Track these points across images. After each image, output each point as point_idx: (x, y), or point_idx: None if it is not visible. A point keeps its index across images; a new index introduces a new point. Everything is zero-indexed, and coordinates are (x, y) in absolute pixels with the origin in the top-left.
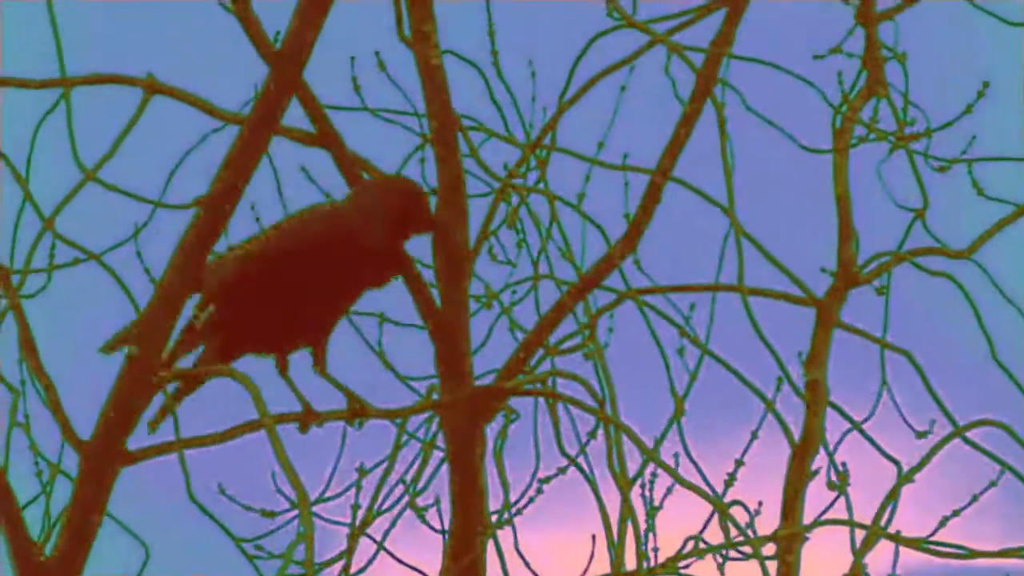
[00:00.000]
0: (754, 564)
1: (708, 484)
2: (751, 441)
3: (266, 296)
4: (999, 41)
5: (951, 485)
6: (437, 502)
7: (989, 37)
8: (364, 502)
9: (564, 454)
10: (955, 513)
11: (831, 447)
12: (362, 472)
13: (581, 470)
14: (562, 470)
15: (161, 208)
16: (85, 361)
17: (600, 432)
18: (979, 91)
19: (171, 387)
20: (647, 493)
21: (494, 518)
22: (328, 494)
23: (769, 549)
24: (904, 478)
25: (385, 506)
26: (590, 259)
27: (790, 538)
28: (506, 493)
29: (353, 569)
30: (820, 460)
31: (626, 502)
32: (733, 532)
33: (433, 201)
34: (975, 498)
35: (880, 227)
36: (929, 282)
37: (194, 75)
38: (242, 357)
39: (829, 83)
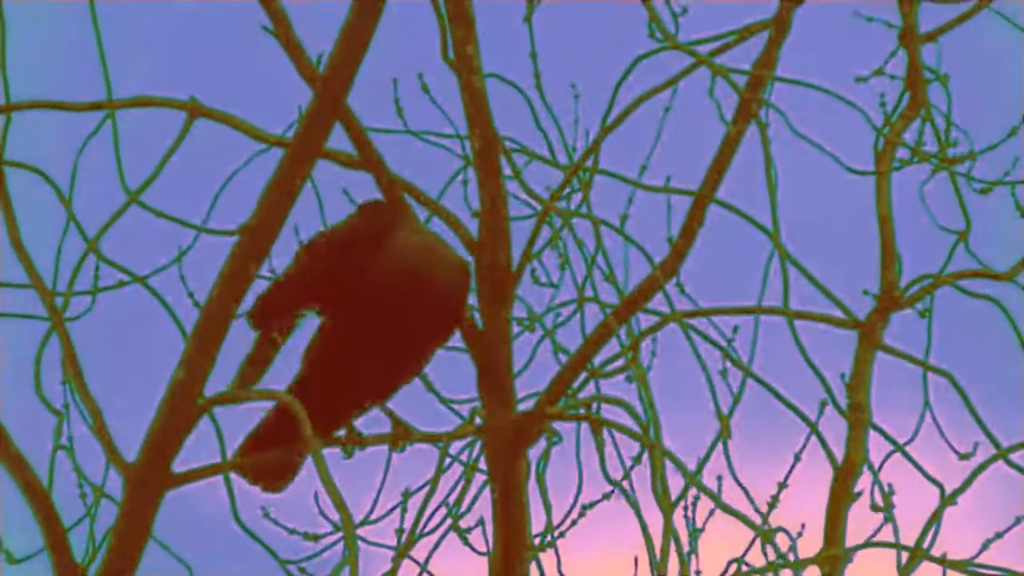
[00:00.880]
0: None
1: (753, 505)
2: (794, 463)
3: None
4: None
5: (994, 507)
6: (481, 523)
7: None
8: (408, 525)
9: (609, 480)
10: (998, 535)
11: (874, 469)
12: (407, 495)
13: (626, 494)
14: (606, 496)
15: (205, 233)
16: (129, 383)
17: (643, 456)
18: (1023, 113)
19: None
20: (690, 515)
21: (536, 540)
22: (372, 517)
23: (812, 572)
24: (947, 500)
25: (428, 528)
26: (634, 282)
27: (833, 560)
28: (549, 515)
29: None
30: (864, 482)
31: (668, 524)
32: (774, 554)
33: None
34: (1019, 520)
35: (923, 249)
36: (972, 304)
37: (237, 99)
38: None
39: (871, 105)
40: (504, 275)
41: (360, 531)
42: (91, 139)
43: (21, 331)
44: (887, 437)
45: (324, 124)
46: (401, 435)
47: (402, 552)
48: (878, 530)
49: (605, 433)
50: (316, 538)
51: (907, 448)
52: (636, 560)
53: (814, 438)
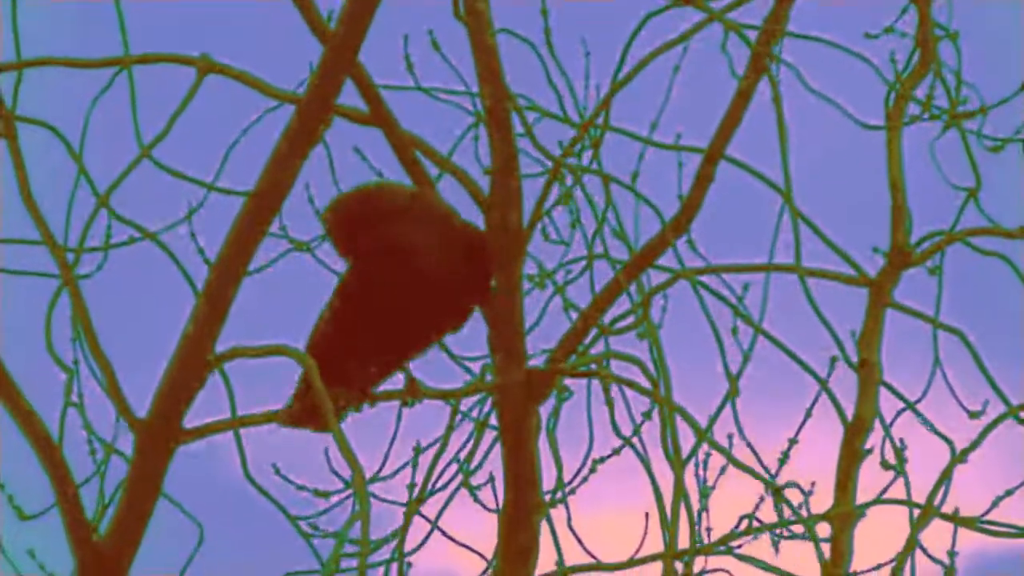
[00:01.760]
0: (807, 544)
1: (762, 464)
2: (804, 420)
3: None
4: None
5: (1005, 465)
6: (491, 480)
7: None
8: (419, 481)
9: (619, 435)
10: (1008, 492)
11: (886, 425)
12: (417, 450)
13: (636, 451)
14: (616, 451)
15: (215, 191)
16: (140, 340)
17: (654, 412)
18: None
19: None
20: (701, 473)
21: (547, 497)
22: (383, 473)
23: (823, 528)
24: (958, 458)
25: (438, 485)
26: (644, 239)
27: (844, 517)
28: (559, 472)
29: (407, 548)
30: (874, 440)
31: (679, 482)
32: (786, 511)
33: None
34: None
35: (933, 207)
36: (982, 262)
37: (249, 55)
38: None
39: (882, 63)
40: (515, 232)
41: (371, 488)
42: (102, 95)
43: (32, 288)
44: (898, 395)
45: (335, 80)
46: (412, 391)
47: (412, 508)
48: (888, 487)
49: (616, 390)
50: (327, 495)
51: (918, 406)
52: (647, 516)
53: (824, 396)
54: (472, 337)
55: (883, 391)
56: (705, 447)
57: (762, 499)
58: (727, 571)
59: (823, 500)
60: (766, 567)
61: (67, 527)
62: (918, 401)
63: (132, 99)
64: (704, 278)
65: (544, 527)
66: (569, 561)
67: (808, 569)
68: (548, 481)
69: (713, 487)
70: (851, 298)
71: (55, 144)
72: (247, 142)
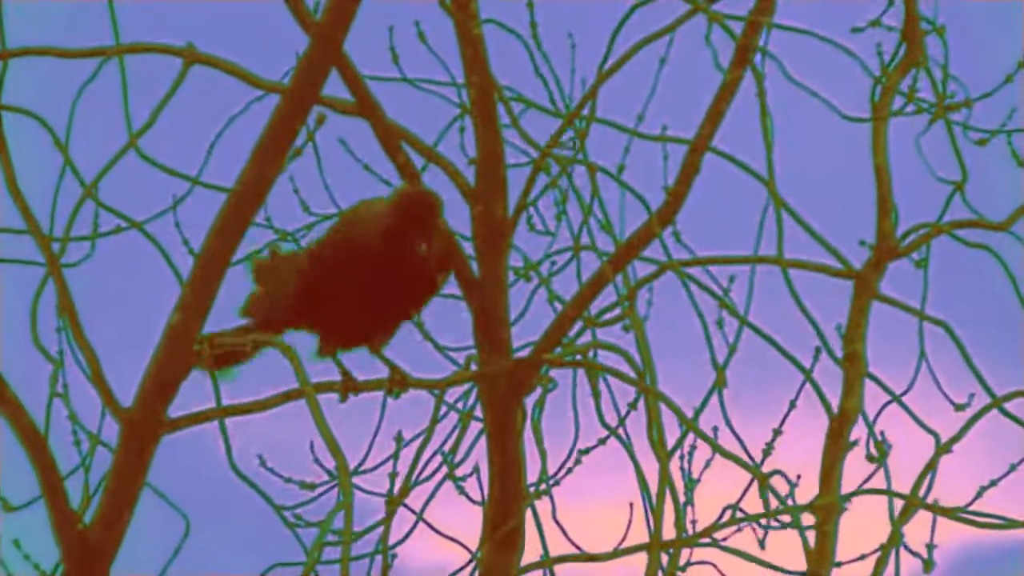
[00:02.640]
0: (792, 534)
1: (748, 455)
2: (789, 410)
3: (322, 297)
4: None
5: (989, 456)
6: (476, 471)
7: None
8: (403, 471)
9: (604, 425)
10: (992, 483)
11: (870, 419)
12: (400, 440)
13: (621, 440)
14: (602, 441)
15: (199, 185)
16: (125, 330)
17: (639, 404)
18: (1020, 61)
19: None
20: (685, 466)
21: (532, 488)
22: (367, 464)
23: (808, 519)
24: (942, 448)
25: (423, 476)
26: (630, 231)
27: (828, 508)
28: (544, 463)
29: (392, 540)
30: (859, 432)
31: (664, 471)
32: (772, 501)
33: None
34: (1013, 468)
35: (919, 200)
36: (968, 254)
37: (234, 45)
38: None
39: (868, 57)
40: (500, 223)
41: (356, 480)
42: (88, 85)
43: (18, 277)
44: (883, 387)
45: (321, 71)
46: (397, 381)
47: (397, 500)
48: (869, 477)
49: (601, 381)
50: (311, 486)
51: (904, 398)
52: (631, 507)
53: (809, 387)
54: (457, 328)
55: (868, 383)
56: (691, 438)
57: (747, 489)
58: (712, 563)
59: (808, 491)
60: (751, 558)
61: (53, 517)
62: (904, 393)
63: (124, 89)
64: (690, 270)
65: (529, 518)
66: (554, 552)
67: (792, 560)
68: (533, 472)
69: (698, 480)
70: (837, 290)
71: (41, 134)
72: (233, 131)
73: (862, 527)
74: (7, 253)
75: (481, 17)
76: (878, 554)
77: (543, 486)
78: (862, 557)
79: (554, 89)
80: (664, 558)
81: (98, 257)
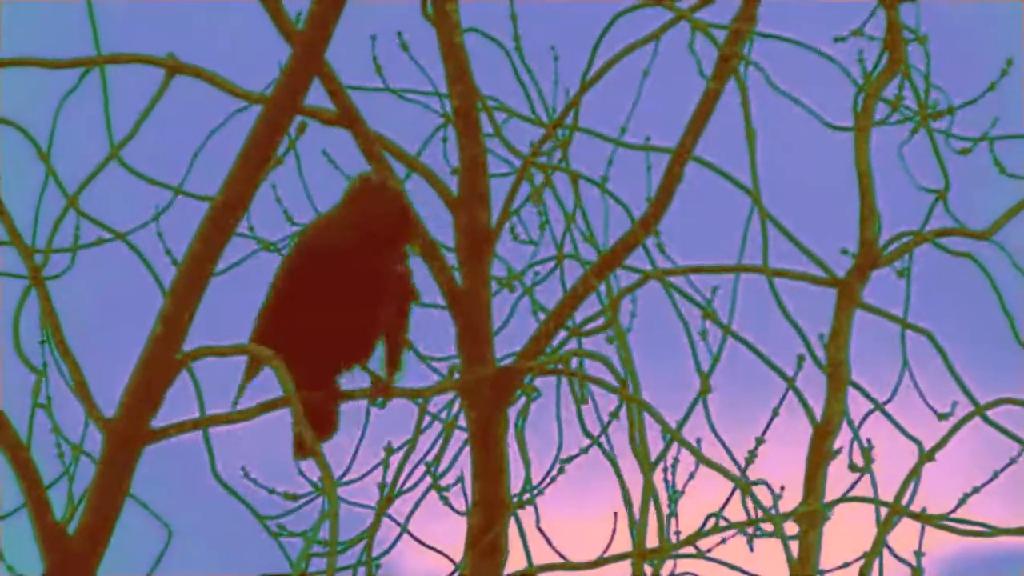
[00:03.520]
0: (775, 543)
1: (733, 460)
2: (772, 418)
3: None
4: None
5: (972, 464)
6: (461, 480)
7: (1011, 19)
8: (388, 481)
9: (587, 434)
10: (975, 490)
11: (854, 426)
12: (389, 451)
13: (603, 449)
14: (584, 450)
15: (182, 195)
16: (108, 341)
17: (622, 413)
18: (1003, 69)
19: None
20: (669, 478)
21: (516, 497)
22: (351, 474)
23: (791, 528)
24: (925, 456)
25: (407, 486)
26: (614, 240)
27: (812, 516)
28: (528, 472)
29: (376, 551)
30: (842, 441)
31: (648, 480)
32: (754, 510)
33: (455, 181)
34: (996, 475)
35: (902, 208)
36: (951, 262)
37: (217, 56)
38: None
39: (850, 66)
40: (483, 232)
41: (339, 491)
42: (70, 96)
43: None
44: (866, 395)
45: (303, 80)
46: (381, 390)
47: (382, 509)
48: (853, 485)
49: (584, 389)
50: (296, 497)
51: (887, 407)
52: (616, 516)
53: (792, 396)
54: (440, 339)
55: (851, 391)
56: (675, 449)
57: (730, 498)
58: (694, 574)
59: (791, 499)
60: (734, 568)
61: (36, 528)
62: (887, 402)
63: (106, 99)
64: (674, 279)
65: (512, 527)
66: (538, 561)
67: (775, 569)
68: (516, 481)
69: (682, 492)
70: (820, 299)
71: (23, 144)
72: (216, 141)
73: (846, 535)
74: None
75: (463, 27)
76: (862, 562)
77: (527, 495)
78: (845, 565)
79: (536, 99)
80: (648, 570)
81: (80, 268)
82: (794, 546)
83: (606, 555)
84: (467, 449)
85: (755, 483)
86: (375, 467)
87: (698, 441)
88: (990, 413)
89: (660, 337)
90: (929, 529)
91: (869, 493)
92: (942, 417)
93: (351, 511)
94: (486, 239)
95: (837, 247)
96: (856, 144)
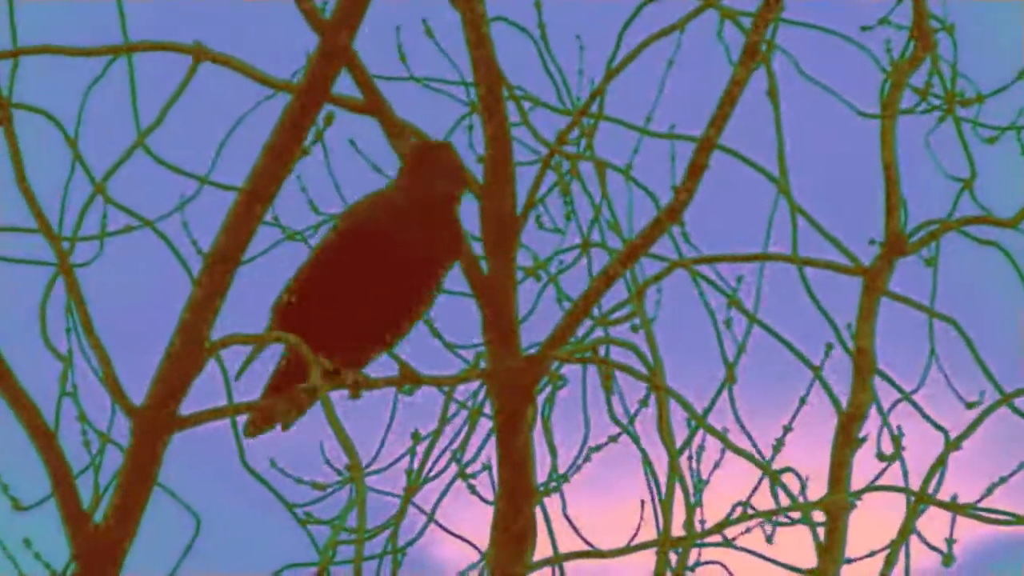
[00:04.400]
0: (802, 532)
1: (758, 450)
2: (799, 407)
3: (338, 293)
4: None
5: (999, 453)
6: (486, 468)
7: None
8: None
9: (616, 422)
10: (1002, 480)
11: (884, 412)
12: (416, 437)
13: (633, 437)
14: (613, 438)
15: (208, 184)
16: (134, 329)
17: (650, 400)
18: None
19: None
20: (695, 466)
21: (542, 486)
22: (378, 463)
23: (818, 516)
24: (951, 445)
25: (433, 474)
26: (639, 229)
27: (838, 504)
28: (554, 460)
29: (403, 540)
30: (868, 429)
31: (674, 467)
32: (782, 498)
33: (480, 169)
34: (1023, 465)
35: (928, 197)
36: (977, 251)
37: (244, 43)
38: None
39: (877, 53)
40: (509, 220)
41: (366, 479)
42: (97, 83)
43: (27, 276)
44: (893, 384)
45: (330, 69)
46: (407, 378)
47: (408, 496)
48: (881, 473)
49: (611, 378)
50: (323, 487)
51: (913, 395)
52: (642, 504)
53: (818, 385)
54: (466, 326)
55: (878, 380)
56: (700, 438)
57: (757, 486)
58: (721, 563)
59: (818, 488)
60: (761, 556)
61: (64, 517)
62: (914, 391)
63: (132, 87)
64: (699, 267)
65: (539, 515)
66: (564, 549)
67: (802, 557)
68: (543, 469)
69: (708, 480)
70: (845, 287)
71: (51, 131)
72: (241, 130)
73: (873, 523)
74: (16, 252)
75: (489, 15)
76: (888, 551)
77: (553, 483)
78: (872, 554)
79: (562, 87)
80: (673, 557)
81: (107, 255)
82: (820, 534)
83: (632, 543)
84: (493, 437)
85: (782, 471)
86: (402, 456)
87: (725, 430)
88: (1017, 402)
89: (686, 326)
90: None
91: (896, 480)
92: (970, 406)
93: (377, 499)
94: (512, 227)
95: (863, 235)
96: (882, 132)
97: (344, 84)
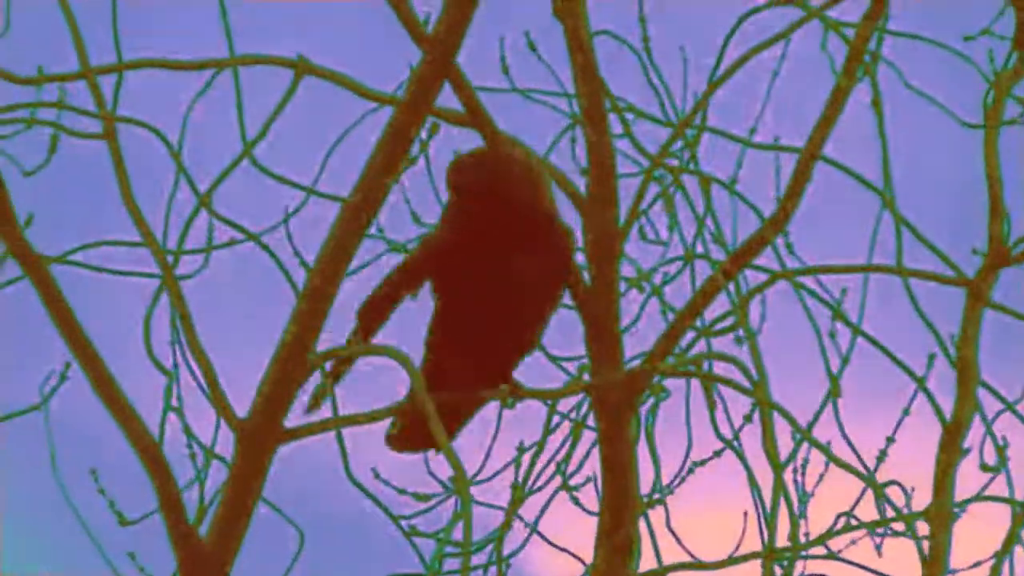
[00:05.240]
0: (905, 543)
1: (862, 463)
2: (902, 418)
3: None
4: None
5: None
6: (591, 480)
7: None
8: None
9: (720, 437)
10: None
11: (988, 422)
12: (521, 449)
13: (738, 453)
14: (717, 453)
15: (315, 195)
16: (239, 341)
17: (754, 415)
18: None
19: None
20: (799, 479)
21: (646, 498)
22: (482, 475)
23: (922, 528)
24: None
25: (536, 486)
26: (743, 241)
27: (942, 515)
28: (657, 472)
29: (506, 551)
30: (974, 438)
31: (779, 479)
32: (886, 511)
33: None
34: None
35: None
36: None
37: (344, 56)
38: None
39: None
40: (612, 232)
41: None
42: (200, 97)
43: (131, 289)
44: (996, 394)
45: (433, 83)
46: (512, 391)
47: (513, 508)
48: (987, 484)
49: (711, 392)
50: (427, 499)
51: (1017, 406)
52: (745, 516)
53: (922, 395)
54: (569, 338)
55: (981, 391)
56: (804, 451)
57: (860, 497)
58: (825, 575)
59: (922, 499)
60: (866, 568)
61: (168, 531)
62: (1017, 401)
63: (238, 99)
64: (803, 279)
65: (642, 526)
66: (667, 560)
67: (906, 569)
68: (646, 480)
69: (812, 494)
70: (949, 298)
71: (155, 145)
72: (345, 143)
73: (977, 535)
74: (121, 265)
75: (593, 28)
76: (992, 562)
77: (656, 495)
78: (977, 564)
79: (665, 99)
80: (778, 570)
81: (212, 268)
82: (925, 546)
83: (736, 555)
84: (597, 449)
85: (887, 484)
86: (505, 467)
87: (828, 443)
88: None
89: (790, 336)
90: None
91: (1000, 492)
92: None
93: (481, 511)
94: (614, 239)
95: (966, 246)
96: (986, 142)
97: (447, 97)
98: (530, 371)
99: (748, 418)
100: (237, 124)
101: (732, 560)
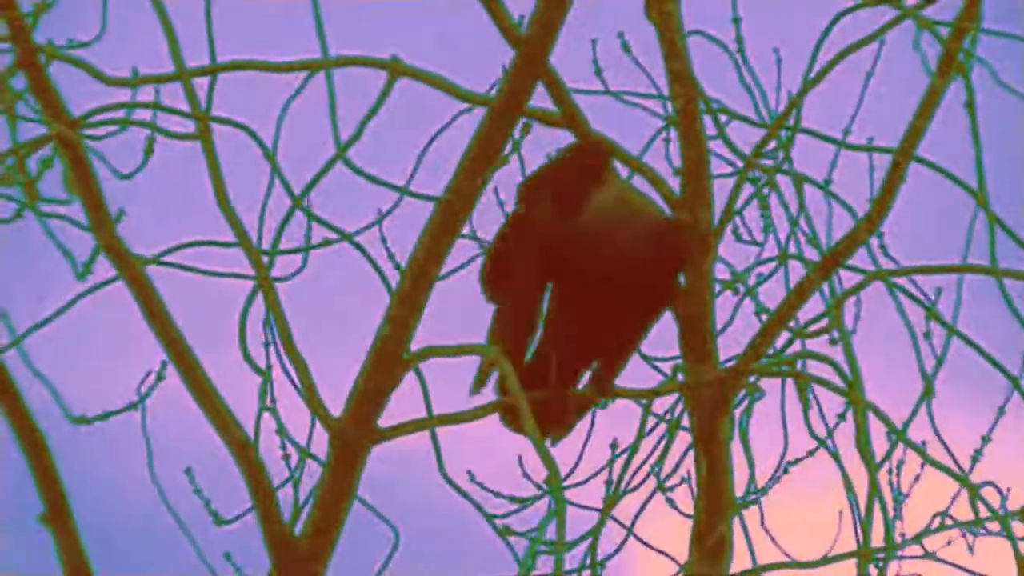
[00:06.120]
0: (1001, 543)
1: (957, 463)
2: (997, 418)
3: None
4: None
5: None
6: (685, 480)
7: None
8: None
9: (814, 436)
10: None
11: None
12: (615, 448)
13: (832, 453)
14: (811, 452)
15: (409, 196)
16: (333, 341)
17: (848, 414)
18: None
19: None
20: (894, 479)
21: (740, 498)
22: (576, 477)
23: (1017, 528)
24: None
25: (631, 486)
26: (837, 241)
27: None
28: (752, 472)
29: (601, 553)
30: None
31: (873, 479)
32: (980, 511)
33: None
34: None
35: None
36: None
37: (437, 58)
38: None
39: None
40: (706, 232)
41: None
42: (294, 99)
43: (227, 290)
44: None
45: (526, 83)
46: (604, 390)
47: (607, 509)
48: None
49: (806, 392)
50: (521, 500)
51: None
52: (840, 515)
53: (1016, 395)
54: (663, 338)
55: None
56: (899, 451)
57: (955, 497)
58: (920, 575)
59: (1017, 499)
60: (961, 568)
61: (263, 530)
62: None
63: (332, 101)
64: (897, 279)
65: (737, 526)
66: (762, 560)
67: (1002, 568)
68: (740, 480)
69: (907, 494)
70: None
71: (249, 146)
72: (438, 144)
73: None
74: (217, 266)
75: (686, 28)
76: None
77: (751, 496)
78: None
79: (759, 99)
80: (873, 570)
81: (307, 269)
82: (1021, 547)
83: (830, 554)
84: (691, 449)
85: (982, 485)
86: (601, 469)
87: (923, 443)
88: None
89: (884, 337)
90: None
91: None
92: None
93: (575, 511)
94: (708, 239)
95: None
96: None
97: (540, 97)
98: (625, 371)
99: (842, 417)
100: (331, 125)
101: (826, 559)
